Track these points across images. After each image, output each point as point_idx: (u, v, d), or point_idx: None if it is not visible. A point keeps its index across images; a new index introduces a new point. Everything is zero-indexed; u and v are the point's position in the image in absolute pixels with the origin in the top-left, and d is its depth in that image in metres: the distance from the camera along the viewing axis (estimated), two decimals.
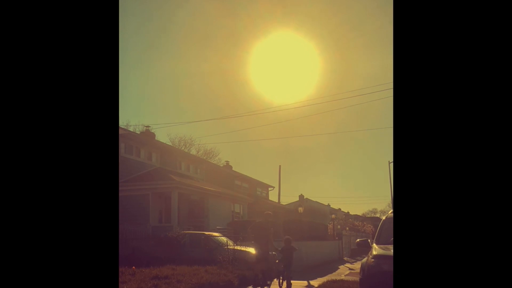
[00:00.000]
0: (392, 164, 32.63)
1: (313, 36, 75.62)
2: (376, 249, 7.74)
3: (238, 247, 15.41)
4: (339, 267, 19.19)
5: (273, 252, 15.74)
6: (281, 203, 38.95)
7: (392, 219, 7.55)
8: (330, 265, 19.88)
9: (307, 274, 14.91)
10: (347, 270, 17.83)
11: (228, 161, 36.26)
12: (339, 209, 53.42)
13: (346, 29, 77.91)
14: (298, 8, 74.58)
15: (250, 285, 11.85)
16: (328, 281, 13.07)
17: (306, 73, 71.63)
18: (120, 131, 20.14)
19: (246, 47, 78.45)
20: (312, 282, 13.05)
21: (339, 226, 32.84)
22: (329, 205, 50.81)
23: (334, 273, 15.75)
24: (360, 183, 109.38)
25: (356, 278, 11.52)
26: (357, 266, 20.63)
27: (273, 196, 40.38)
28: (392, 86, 3.64)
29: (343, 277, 15.17)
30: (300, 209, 31.36)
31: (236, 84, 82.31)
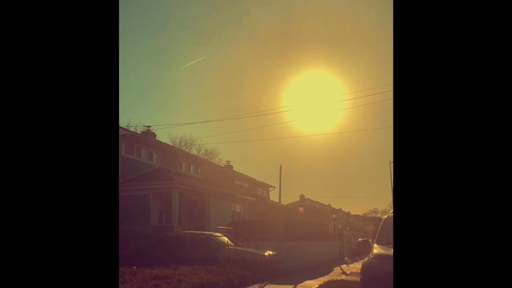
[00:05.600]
0: (392, 164, 32.61)
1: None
2: (377, 249, 7.74)
3: (239, 247, 15.42)
4: (334, 269, 18.92)
5: (274, 252, 15.79)
6: (282, 203, 38.92)
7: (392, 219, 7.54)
8: (329, 266, 19.77)
9: (300, 276, 14.75)
10: (341, 272, 17.63)
11: (229, 161, 36.28)
12: (340, 209, 53.36)
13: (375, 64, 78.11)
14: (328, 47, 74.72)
15: (250, 285, 11.87)
16: (327, 282, 13.03)
17: (312, 82, 71.35)
18: (121, 131, 20.16)
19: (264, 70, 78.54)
20: (300, 285, 12.88)
21: (339, 226, 32.80)
22: (330, 205, 50.77)
23: (327, 275, 15.59)
24: (361, 183, 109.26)
25: (357, 278, 11.51)
26: (353, 266, 20.49)
27: (274, 196, 40.39)
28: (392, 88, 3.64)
29: (343, 277, 15.15)
30: (301, 209, 31.34)
31: (237, 86, 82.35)
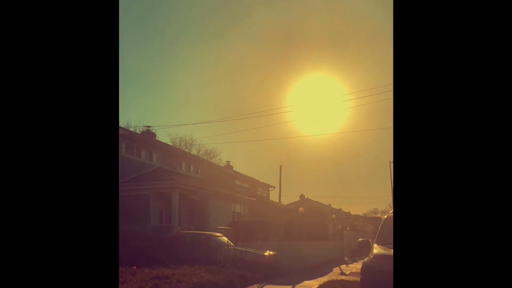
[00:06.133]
0: (392, 164, 32.59)
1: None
2: (376, 249, 7.75)
3: (239, 247, 15.42)
4: (333, 269, 18.82)
5: (274, 252, 15.79)
6: (281, 203, 38.93)
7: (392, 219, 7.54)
8: (328, 266, 19.69)
9: (299, 276, 14.72)
10: (340, 273, 17.54)
11: (229, 161, 36.26)
12: (340, 209, 53.32)
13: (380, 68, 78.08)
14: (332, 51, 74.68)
15: (250, 285, 11.86)
16: (327, 282, 13.00)
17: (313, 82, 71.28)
18: (121, 131, 20.15)
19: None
20: (299, 286, 12.80)
21: (339, 226, 32.82)
22: (330, 205, 50.76)
23: (325, 276, 15.54)
24: (361, 183, 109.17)
25: (356, 278, 11.50)
26: (353, 266, 20.42)
27: (273, 196, 40.39)
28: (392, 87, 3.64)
29: (343, 277, 15.13)
30: (301, 209, 31.35)
31: (238, 87, 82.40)
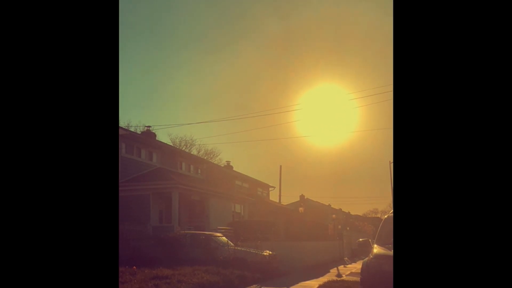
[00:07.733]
0: (392, 164, 32.57)
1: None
2: (376, 249, 7.76)
3: (239, 247, 15.43)
4: (330, 270, 18.63)
5: (273, 253, 15.79)
6: (281, 203, 38.92)
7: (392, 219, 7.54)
8: (327, 267, 19.59)
9: (298, 277, 14.70)
10: (337, 275, 17.43)
11: (229, 161, 36.25)
12: (340, 209, 53.22)
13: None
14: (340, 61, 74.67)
15: (250, 285, 11.86)
16: (326, 282, 12.98)
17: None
18: (121, 131, 20.15)
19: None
20: (294, 287, 12.73)
21: (339, 226, 32.80)
22: (330, 205, 50.70)
23: (323, 277, 15.48)
24: (361, 183, 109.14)
25: (356, 278, 11.51)
26: (353, 267, 20.35)
27: (273, 196, 40.37)
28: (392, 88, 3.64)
29: (344, 277, 15.11)
30: (301, 209, 31.34)
31: (238, 87, 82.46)
